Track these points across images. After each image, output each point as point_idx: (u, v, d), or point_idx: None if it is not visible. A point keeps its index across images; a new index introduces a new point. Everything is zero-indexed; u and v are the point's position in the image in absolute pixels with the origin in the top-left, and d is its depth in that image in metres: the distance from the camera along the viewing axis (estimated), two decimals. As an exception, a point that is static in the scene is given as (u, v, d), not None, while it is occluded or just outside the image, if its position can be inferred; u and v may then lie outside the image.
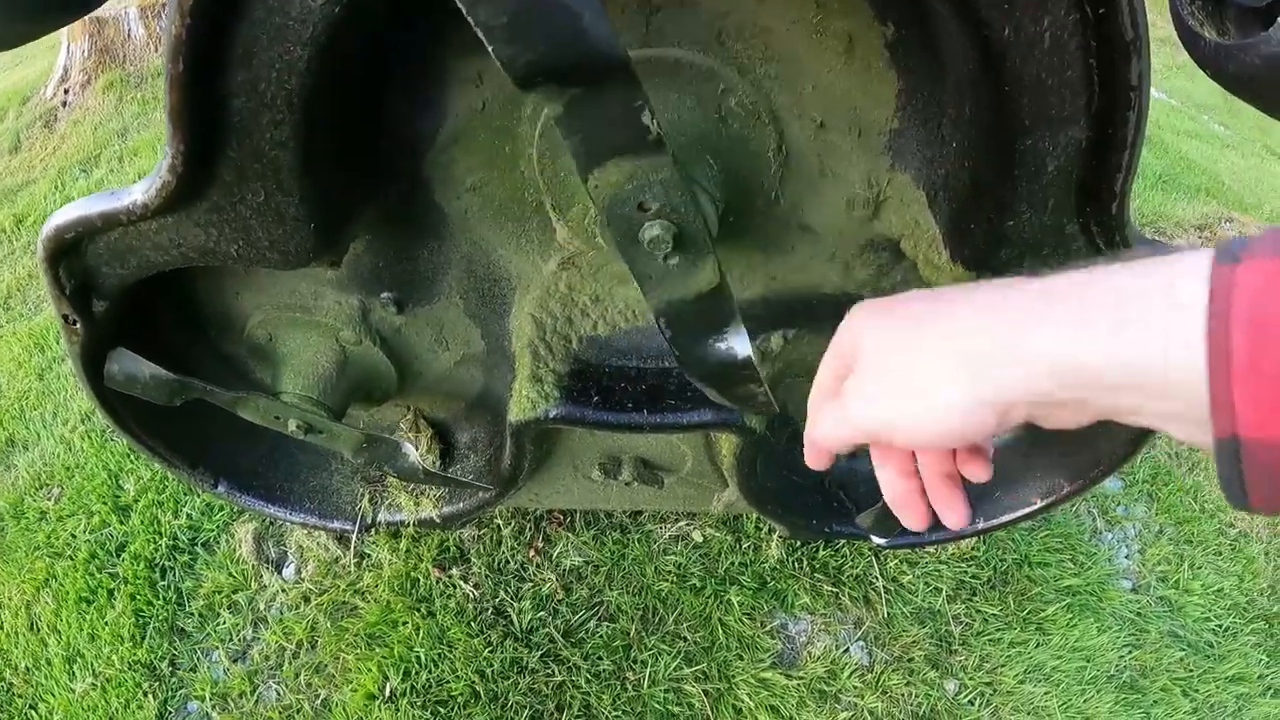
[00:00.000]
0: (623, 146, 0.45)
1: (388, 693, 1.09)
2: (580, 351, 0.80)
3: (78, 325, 0.72)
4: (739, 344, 0.56)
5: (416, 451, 1.08)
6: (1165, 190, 2.47)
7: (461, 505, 1.03)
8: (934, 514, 0.43)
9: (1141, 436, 0.87)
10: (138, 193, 0.57)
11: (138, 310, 0.78)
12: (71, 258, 0.67)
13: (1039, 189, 0.57)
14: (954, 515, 0.41)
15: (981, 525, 1.05)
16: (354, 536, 1.15)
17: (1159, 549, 1.42)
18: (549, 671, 1.10)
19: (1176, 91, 3.54)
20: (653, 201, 0.49)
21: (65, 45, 2.73)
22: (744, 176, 0.66)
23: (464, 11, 0.35)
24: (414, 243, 0.74)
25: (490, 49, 0.36)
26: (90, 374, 0.79)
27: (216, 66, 0.48)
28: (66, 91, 2.67)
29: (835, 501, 1.04)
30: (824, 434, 0.41)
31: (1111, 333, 0.28)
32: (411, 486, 1.08)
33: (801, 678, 1.12)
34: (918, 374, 0.35)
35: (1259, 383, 0.24)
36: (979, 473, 0.41)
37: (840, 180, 0.68)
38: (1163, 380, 0.27)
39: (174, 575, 1.26)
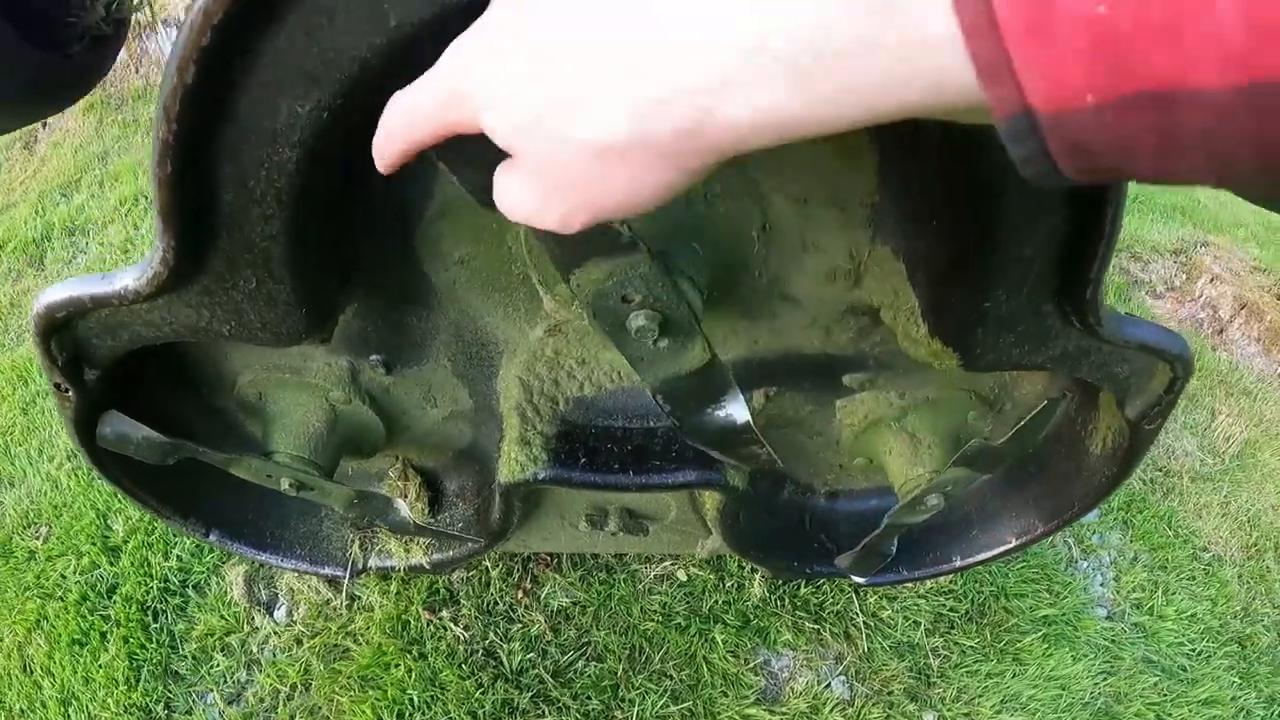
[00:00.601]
0: (597, 250, 0.48)
1: (381, 736, 1.10)
2: (567, 413, 0.82)
3: (70, 393, 0.73)
4: (738, 411, 0.59)
5: (406, 502, 1.10)
6: (1140, 211, 2.53)
7: (451, 553, 1.05)
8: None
9: (1117, 480, 0.90)
10: (129, 279, 0.58)
11: (128, 371, 0.80)
12: (63, 332, 0.68)
13: (1015, 273, 0.58)
14: None
15: (959, 563, 1.08)
16: (345, 581, 1.16)
17: (1133, 576, 1.46)
18: (539, 712, 1.12)
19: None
20: (635, 294, 0.51)
21: (46, 67, 2.70)
22: (728, 256, 0.68)
23: (452, 176, 0.37)
24: (403, 310, 0.76)
25: (475, 201, 0.39)
26: (83, 436, 0.80)
27: (205, 165, 0.49)
28: (48, 114, 2.65)
29: (816, 543, 1.06)
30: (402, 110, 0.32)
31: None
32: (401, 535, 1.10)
33: (784, 713, 1.14)
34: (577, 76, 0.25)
35: (1046, 33, 0.18)
36: None
37: (822, 252, 0.70)
38: (910, 65, 0.21)
39: (166, 618, 1.27)
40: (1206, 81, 0.16)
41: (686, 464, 0.81)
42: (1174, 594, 1.46)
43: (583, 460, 0.80)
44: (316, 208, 0.56)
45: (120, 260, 2.13)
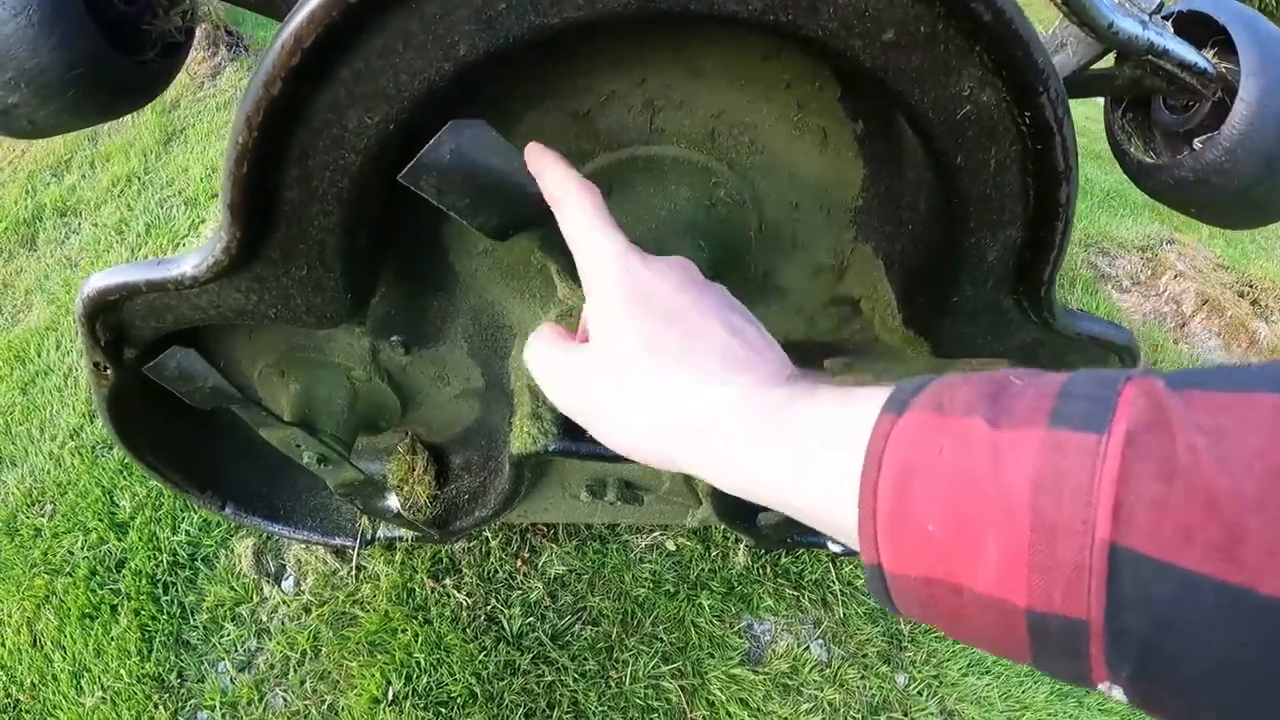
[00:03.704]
0: None
1: (391, 696, 1.16)
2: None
3: (108, 371, 0.78)
4: None
5: (414, 475, 1.16)
6: (1111, 208, 2.63)
7: (458, 522, 1.11)
8: None
9: None
10: (188, 266, 0.62)
11: (156, 349, 0.84)
12: (108, 314, 0.72)
13: (979, 274, 0.65)
14: None
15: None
16: (354, 551, 1.22)
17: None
18: (540, 672, 1.19)
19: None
20: None
21: (32, 45, 2.67)
22: (728, 252, 0.74)
23: (435, 201, 0.44)
24: (426, 295, 0.81)
25: (465, 223, 0.45)
26: (115, 415, 0.84)
27: (275, 167, 0.54)
28: (35, 94, 2.62)
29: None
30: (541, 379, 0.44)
31: (791, 462, 0.31)
32: (408, 504, 1.15)
33: (767, 673, 1.23)
34: (627, 389, 0.37)
35: (900, 530, 0.27)
36: None
37: (810, 250, 0.77)
38: (824, 506, 0.30)
39: (176, 590, 1.31)
40: (972, 584, 0.26)
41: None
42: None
43: (589, 434, 0.86)
44: (369, 205, 0.61)
45: (115, 241, 2.14)
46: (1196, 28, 0.71)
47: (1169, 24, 0.67)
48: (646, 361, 0.37)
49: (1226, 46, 0.69)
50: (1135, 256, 2.26)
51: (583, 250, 0.42)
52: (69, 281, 1.99)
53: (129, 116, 2.61)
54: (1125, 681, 0.24)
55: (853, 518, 0.28)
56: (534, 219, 0.47)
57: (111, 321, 0.73)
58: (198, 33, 2.82)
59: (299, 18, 0.45)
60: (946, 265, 0.66)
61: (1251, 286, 2.16)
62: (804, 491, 0.31)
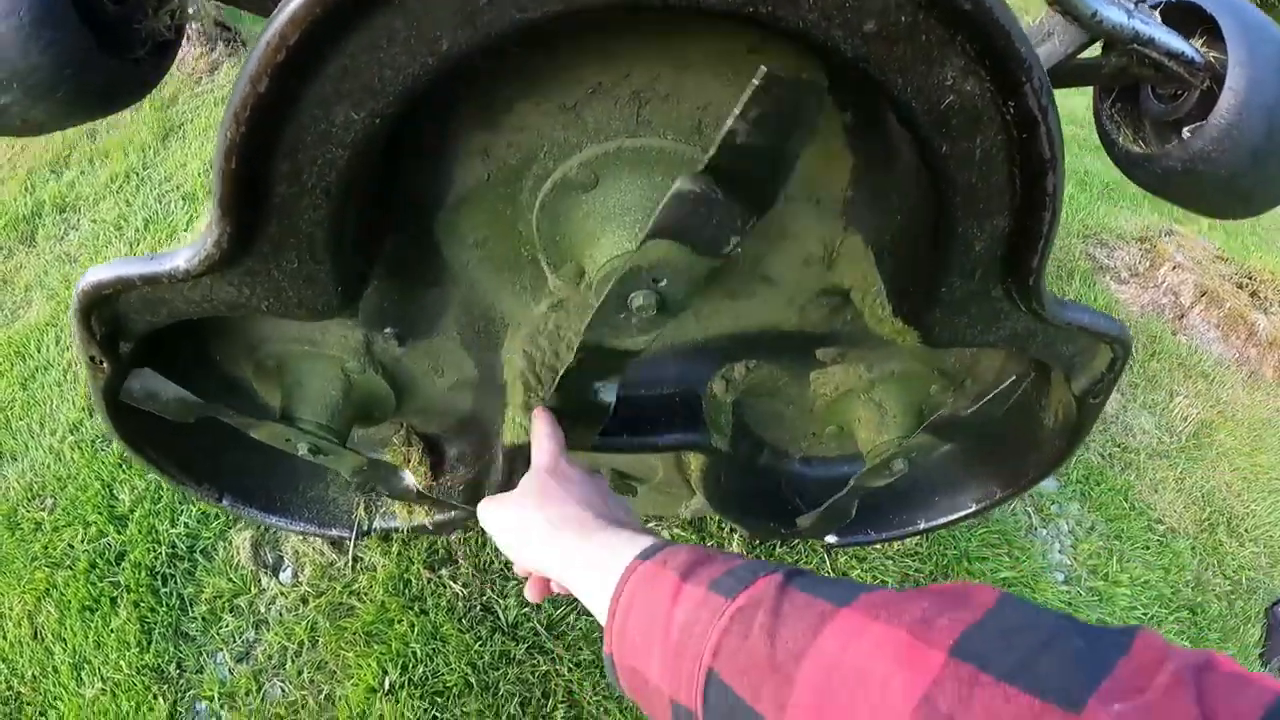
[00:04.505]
0: (696, 240, 0.54)
1: (387, 686, 1.17)
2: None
3: (104, 364, 0.79)
4: (610, 395, 0.72)
5: (409, 467, 1.17)
6: (1110, 200, 2.62)
7: (453, 513, 1.12)
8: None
9: (1067, 451, 0.99)
10: (181, 260, 0.63)
11: (150, 344, 0.85)
12: (103, 308, 0.73)
13: (967, 264, 0.66)
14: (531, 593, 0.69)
15: (923, 525, 1.17)
16: (351, 542, 1.23)
17: (1090, 544, 1.56)
18: (535, 662, 1.20)
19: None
20: (667, 280, 0.58)
21: (31, 42, 2.68)
22: None
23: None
24: (419, 288, 0.82)
25: (715, 148, 0.48)
26: (112, 408, 0.85)
27: (264, 162, 0.54)
28: (35, 90, 2.63)
29: (791, 506, 1.15)
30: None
31: (581, 575, 0.51)
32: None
33: (764, 665, 1.23)
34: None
35: (621, 633, 0.44)
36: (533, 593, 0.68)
37: (799, 240, 0.77)
38: (597, 608, 0.48)
39: (175, 582, 1.32)
40: (648, 676, 0.42)
41: (676, 427, 0.89)
42: (1129, 562, 1.56)
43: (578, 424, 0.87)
44: (358, 198, 0.61)
45: (114, 236, 2.15)
46: (1185, 16, 0.71)
47: (1156, 13, 0.67)
48: (538, 511, 0.61)
49: (1215, 34, 0.69)
50: (1134, 248, 2.26)
51: (534, 457, 0.70)
52: (68, 277, 2.00)
53: (127, 113, 2.62)
54: None
55: (601, 611, 0.46)
56: (732, 182, 0.52)
57: (106, 315, 0.74)
58: (194, 29, 2.82)
59: (284, 15, 0.45)
60: (935, 255, 0.67)
61: (1250, 278, 2.15)
62: (590, 596, 0.50)
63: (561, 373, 0.69)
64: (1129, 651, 0.26)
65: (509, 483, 0.99)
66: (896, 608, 0.32)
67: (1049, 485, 1.64)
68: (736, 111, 0.47)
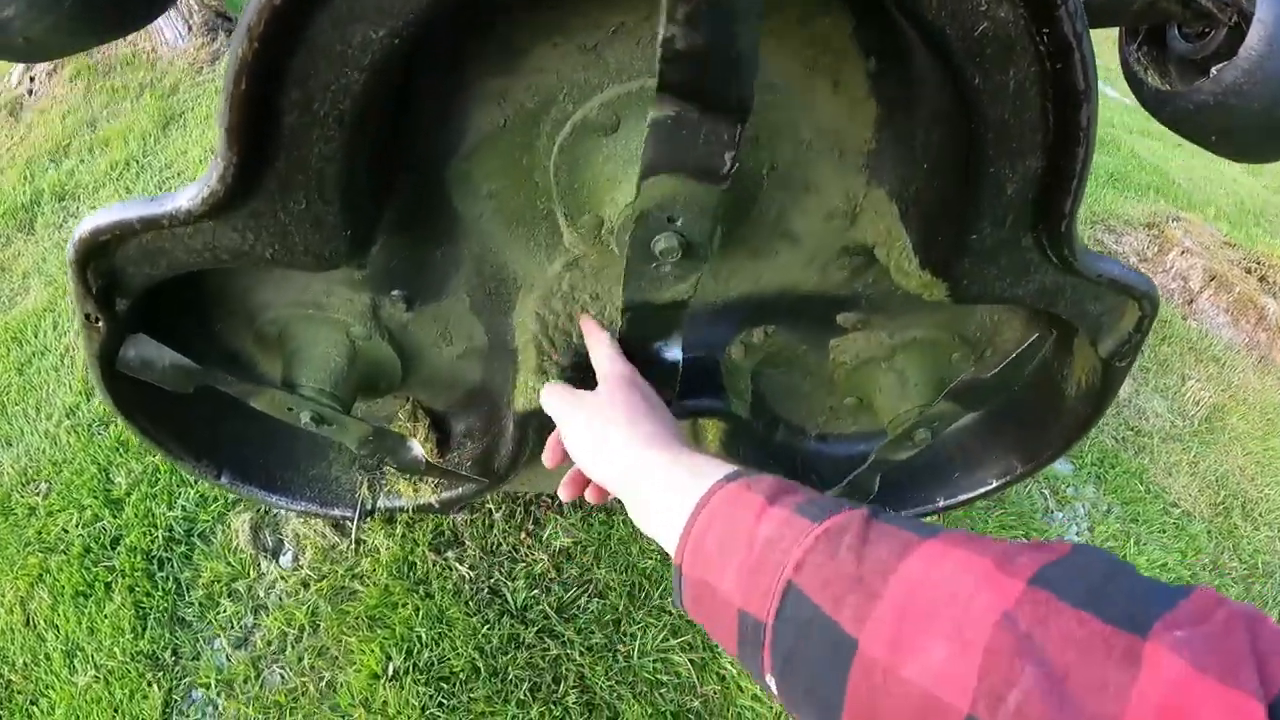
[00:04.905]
0: (692, 168, 0.51)
1: (391, 672, 1.14)
2: (580, 346, 0.86)
3: (99, 323, 0.76)
4: (674, 351, 0.69)
5: (417, 441, 1.14)
6: (1116, 188, 2.61)
7: (460, 490, 1.09)
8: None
9: (1092, 418, 0.97)
10: (183, 200, 0.60)
11: (147, 312, 0.82)
12: (100, 259, 0.70)
13: (998, 209, 0.64)
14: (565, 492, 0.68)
15: (942, 504, 1.14)
16: (354, 523, 1.20)
17: (1107, 526, 1.53)
18: (545, 646, 1.16)
19: (1130, 91, 3.71)
20: (680, 216, 0.55)
21: (29, 32, 2.66)
22: (740, 193, 0.72)
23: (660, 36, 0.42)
24: (428, 244, 0.79)
25: (660, 63, 0.44)
26: (106, 370, 0.82)
27: (276, 86, 0.52)
28: (32, 80, 2.61)
29: (807, 482, 1.12)
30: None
31: (658, 493, 0.50)
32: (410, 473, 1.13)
33: (780, 648, 1.20)
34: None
35: (698, 545, 0.44)
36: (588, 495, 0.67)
37: (821, 194, 0.75)
38: (671, 522, 0.47)
39: (172, 566, 1.29)
40: (719, 585, 0.42)
41: (695, 392, 0.86)
42: (1145, 544, 1.53)
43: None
44: (370, 133, 0.59)
45: (111, 226, 2.12)
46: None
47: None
48: (625, 422, 0.58)
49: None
50: (1141, 234, 2.24)
51: (600, 369, 0.67)
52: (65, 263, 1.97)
53: (127, 102, 2.60)
54: (777, 674, 0.37)
55: (676, 527, 0.46)
56: (703, 95, 0.48)
57: (103, 268, 0.71)
58: (196, 19, 2.79)
59: None
60: (965, 201, 0.64)
61: (1259, 263, 2.14)
62: (662, 512, 0.49)
63: (618, 337, 0.67)
64: (1189, 596, 0.29)
65: (520, 451, 0.96)
66: (979, 543, 0.33)
67: (1064, 468, 1.62)
68: (663, 16, 0.43)
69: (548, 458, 0.67)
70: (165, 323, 0.88)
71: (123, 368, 0.78)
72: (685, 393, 0.87)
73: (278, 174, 0.58)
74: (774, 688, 0.37)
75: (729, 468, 0.48)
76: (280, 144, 0.56)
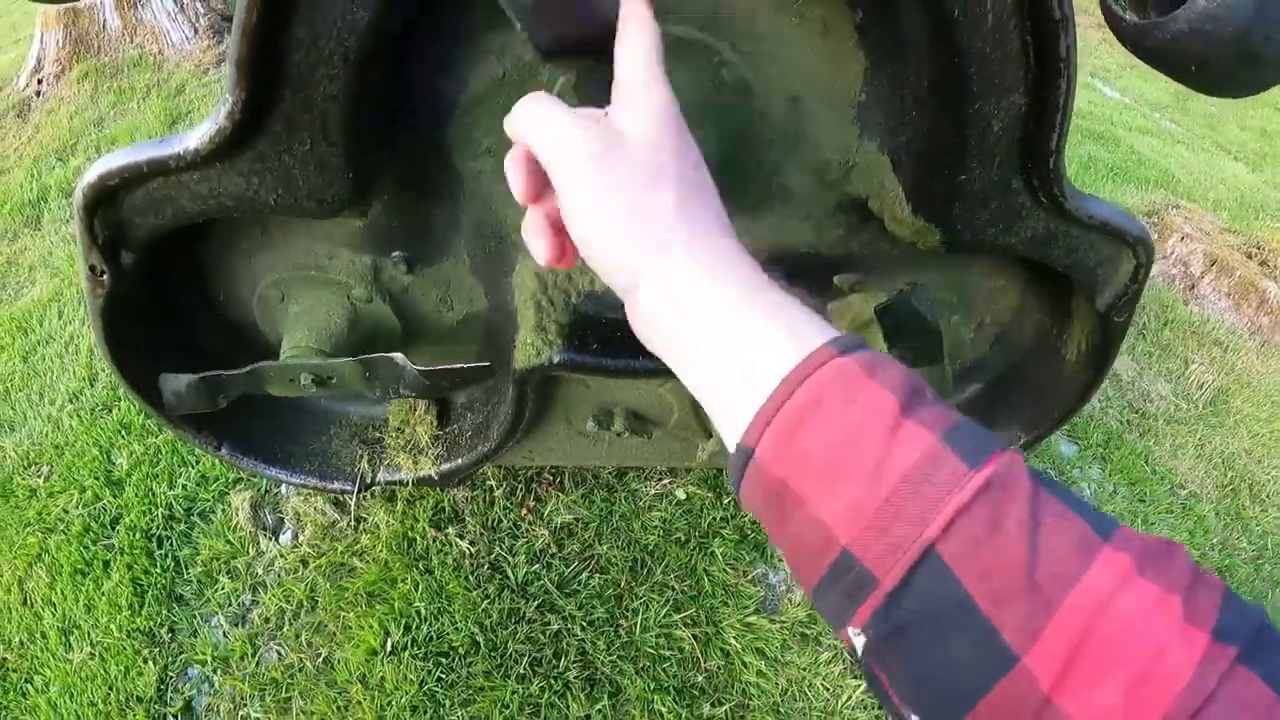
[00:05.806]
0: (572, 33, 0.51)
1: (389, 647, 1.13)
2: (579, 305, 0.86)
3: (104, 277, 0.76)
4: None
5: (415, 415, 1.13)
6: (1117, 182, 2.62)
7: (460, 461, 1.08)
8: None
9: (1096, 380, 0.97)
10: (191, 140, 0.61)
11: (152, 279, 0.82)
12: (107, 208, 0.70)
13: (986, 148, 0.65)
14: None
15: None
16: (353, 497, 1.19)
17: (1114, 506, 1.52)
18: (545, 621, 1.15)
19: (1129, 90, 3.72)
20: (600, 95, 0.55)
21: (39, 35, 2.70)
22: (734, 140, 0.73)
23: None
24: (429, 204, 0.80)
25: (517, 23, 0.41)
26: (108, 329, 0.82)
27: (282, 24, 0.53)
28: (40, 81, 2.65)
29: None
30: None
31: (728, 338, 0.34)
32: (409, 446, 1.13)
33: (784, 622, 1.19)
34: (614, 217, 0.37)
35: (789, 435, 0.31)
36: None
37: (814, 147, 0.75)
38: (741, 372, 0.33)
39: (171, 544, 1.28)
40: (817, 508, 0.31)
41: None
42: (1153, 525, 1.52)
43: (594, 345, 0.84)
44: (375, 73, 0.60)
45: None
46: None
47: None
48: (675, 204, 0.37)
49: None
50: (1141, 221, 2.24)
51: (640, 84, 0.41)
52: (72, 256, 1.99)
53: (134, 102, 2.63)
54: (872, 637, 0.30)
55: (751, 394, 0.32)
56: (591, 44, 0.42)
57: (110, 218, 0.72)
58: (202, 22, 2.83)
59: None
60: (953, 143, 0.65)
61: (1259, 248, 2.13)
62: (732, 349, 0.33)
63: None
64: None
65: (519, 416, 0.96)
66: (1157, 562, 0.29)
67: (1068, 450, 1.61)
68: None
69: (518, 187, 0.40)
70: (169, 298, 0.89)
71: (171, 410, 0.81)
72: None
73: (283, 114, 0.59)
74: (858, 647, 0.31)
75: (832, 330, 0.33)
76: (287, 83, 0.57)
